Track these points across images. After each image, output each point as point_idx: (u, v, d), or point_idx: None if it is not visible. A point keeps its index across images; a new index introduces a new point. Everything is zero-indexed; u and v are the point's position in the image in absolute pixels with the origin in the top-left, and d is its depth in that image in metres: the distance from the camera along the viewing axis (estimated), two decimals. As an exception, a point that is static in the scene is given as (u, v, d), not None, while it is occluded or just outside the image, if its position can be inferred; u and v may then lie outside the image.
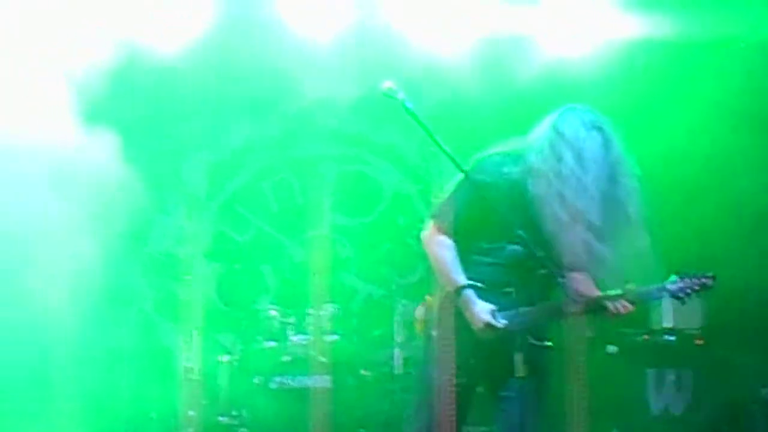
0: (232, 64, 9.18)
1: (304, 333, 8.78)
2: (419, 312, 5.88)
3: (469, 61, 8.98)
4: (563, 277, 5.43)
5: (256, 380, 8.62)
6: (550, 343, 5.53)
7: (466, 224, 5.68)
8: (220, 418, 8.75)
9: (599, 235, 5.48)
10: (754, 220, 9.07)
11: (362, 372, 8.68)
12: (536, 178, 5.52)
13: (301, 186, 10.04)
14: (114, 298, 8.85)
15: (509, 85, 9.11)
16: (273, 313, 8.93)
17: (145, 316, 9.45)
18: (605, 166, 5.54)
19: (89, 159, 8.21)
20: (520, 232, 5.29)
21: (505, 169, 5.63)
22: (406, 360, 8.76)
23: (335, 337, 8.76)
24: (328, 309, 8.82)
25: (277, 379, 8.62)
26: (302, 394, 8.49)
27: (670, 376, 8.69)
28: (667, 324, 8.71)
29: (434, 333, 5.71)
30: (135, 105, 9.21)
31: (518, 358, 5.22)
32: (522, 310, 5.57)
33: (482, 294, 5.59)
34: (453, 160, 5.50)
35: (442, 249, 5.72)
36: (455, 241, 5.71)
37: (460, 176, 5.60)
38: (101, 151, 8.26)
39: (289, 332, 8.84)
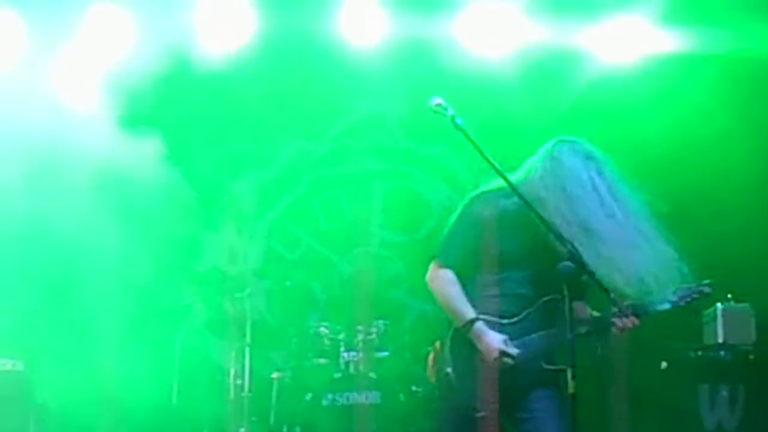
0: (282, 79, 9.22)
1: (355, 349, 8.77)
2: (430, 358, 5.95)
3: (516, 74, 8.98)
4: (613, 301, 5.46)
5: (307, 397, 8.61)
6: (563, 367, 5.42)
7: (469, 259, 5.76)
8: (272, 435, 8.78)
9: (616, 252, 5.52)
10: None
11: (413, 388, 8.65)
12: (544, 206, 5.54)
13: (350, 202, 10.05)
14: (165, 314, 8.91)
15: (556, 98, 9.09)
16: (323, 329, 8.94)
17: (197, 333, 9.48)
18: (604, 190, 5.64)
19: (138, 174, 8.28)
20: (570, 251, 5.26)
21: (501, 203, 5.70)
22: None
23: (385, 354, 8.76)
24: (378, 325, 8.82)
25: (328, 395, 8.61)
26: (353, 410, 8.49)
27: (723, 392, 8.60)
28: (720, 339, 8.63)
29: (449, 371, 5.74)
30: (185, 119, 9.27)
31: (569, 374, 5.20)
32: (532, 337, 5.67)
33: (491, 325, 5.68)
34: (502, 174, 5.50)
35: (447, 285, 5.80)
36: (460, 276, 5.78)
37: (458, 214, 5.76)
38: (151, 168, 8.32)
39: (340, 349, 8.84)
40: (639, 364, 8.57)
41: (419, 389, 8.67)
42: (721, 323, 8.63)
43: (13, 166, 8.21)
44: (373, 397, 8.54)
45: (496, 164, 5.45)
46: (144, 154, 8.40)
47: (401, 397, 8.59)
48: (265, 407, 8.86)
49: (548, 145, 5.78)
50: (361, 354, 8.75)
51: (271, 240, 10.03)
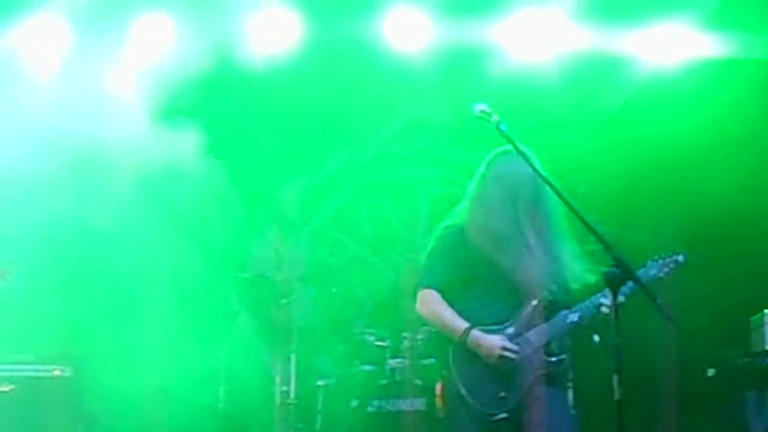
0: (326, 85, 9.23)
1: (401, 356, 8.77)
2: (438, 388, 6.12)
3: (560, 79, 8.96)
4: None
5: (353, 404, 8.62)
6: (563, 356, 5.98)
7: (448, 282, 6.12)
8: (318, 442, 8.80)
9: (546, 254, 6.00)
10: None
11: (459, 395, 8.63)
12: (472, 225, 6.15)
13: (396, 209, 10.05)
14: (211, 321, 8.94)
15: (600, 103, 9.07)
16: (369, 336, 8.94)
17: (243, 339, 9.49)
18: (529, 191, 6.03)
19: (183, 175, 8.32)
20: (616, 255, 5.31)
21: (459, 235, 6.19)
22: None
23: (431, 361, 8.74)
24: (424, 332, 8.81)
25: (374, 402, 8.61)
26: (399, 417, 8.48)
27: (771, 399, 8.53)
28: (768, 346, 8.56)
29: (462, 390, 6.00)
30: (230, 124, 9.30)
31: (615, 380, 5.22)
32: (528, 334, 5.95)
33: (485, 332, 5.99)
34: (547, 181, 5.51)
35: (435, 305, 6.15)
36: (444, 296, 6.14)
37: (432, 244, 6.24)
38: (195, 169, 8.37)
39: (386, 356, 8.84)
40: (687, 371, 8.53)
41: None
42: (770, 330, 8.56)
43: (57, 165, 8.27)
44: (418, 404, 8.52)
45: (543, 170, 5.48)
46: (188, 156, 8.45)
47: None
48: (311, 414, 8.87)
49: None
50: (407, 361, 8.75)
51: (316, 246, 10.04)
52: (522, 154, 5.61)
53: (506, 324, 6.00)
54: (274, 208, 9.27)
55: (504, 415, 5.88)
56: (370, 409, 8.60)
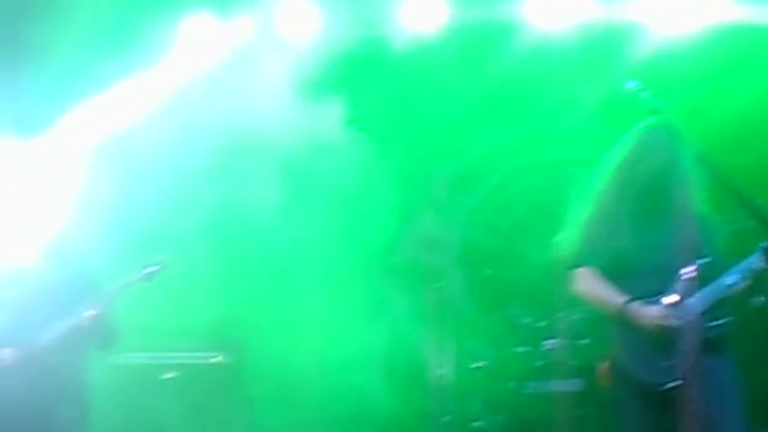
0: (473, 68, 9.19)
1: (556, 337, 8.72)
2: (602, 367, 6.12)
3: (709, 54, 8.77)
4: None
5: (509, 386, 8.61)
6: (724, 320, 5.99)
7: (602, 260, 6.22)
8: (475, 424, 8.79)
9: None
10: None
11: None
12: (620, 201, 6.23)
13: (546, 190, 9.95)
14: (365, 305, 8.99)
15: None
16: (524, 318, 8.92)
17: (397, 324, 9.53)
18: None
19: (333, 162, 8.39)
20: None
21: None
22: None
23: (587, 341, 8.68)
24: (579, 313, 8.74)
25: (531, 383, 8.60)
26: (555, 398, 8.45)
27: None
28: None
29: (629, 365, 6.14)
30: (380, 108, 9.32)
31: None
32: (688, 301, 5.85)
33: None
34: (702, 156, 5.45)
35: (592, 283, 6.27)
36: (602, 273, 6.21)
37: (583, 222, 6.35)
38: (345, 156, 8.42)
39: (541, 337, 8.80)
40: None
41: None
42: None
43: (208, 151, 8.43)
44: (575, 384, 8.48)
45: (696, 146, 5.42)
46: (336, 132, 8.51)
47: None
48: (467, 397, 8.89)
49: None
50: (562, 341, 8.70)
51: (468, 229, 10.01)
52: (670, 128, 5.56)
53: (663, 295, 5.96)
54: (425, 191, 9.27)
55: (672, 384, 5.80)
56: (526, 390, 8.59)
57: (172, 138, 8.20)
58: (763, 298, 6.43)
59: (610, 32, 8.96)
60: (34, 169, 7.90)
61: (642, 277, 6.05)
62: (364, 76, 8.99)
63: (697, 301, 5.89)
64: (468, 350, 9.15)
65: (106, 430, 7.54)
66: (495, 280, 9.44)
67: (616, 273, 6.15)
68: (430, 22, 8.95)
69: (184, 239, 8.20)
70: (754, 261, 5.91)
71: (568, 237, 6.50)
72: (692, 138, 5.66)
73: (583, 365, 8.46)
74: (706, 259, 5.83)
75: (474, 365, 8.95)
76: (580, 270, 6.29)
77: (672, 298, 5.92)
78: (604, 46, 9.01)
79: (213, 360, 8.73)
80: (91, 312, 7.03)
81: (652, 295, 5.99)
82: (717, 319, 5.99)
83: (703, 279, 5.91)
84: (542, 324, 8.83)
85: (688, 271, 5.82)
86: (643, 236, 6.09)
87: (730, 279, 5.98)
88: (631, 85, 5.56)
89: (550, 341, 8.74)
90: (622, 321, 6.04)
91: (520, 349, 8.81)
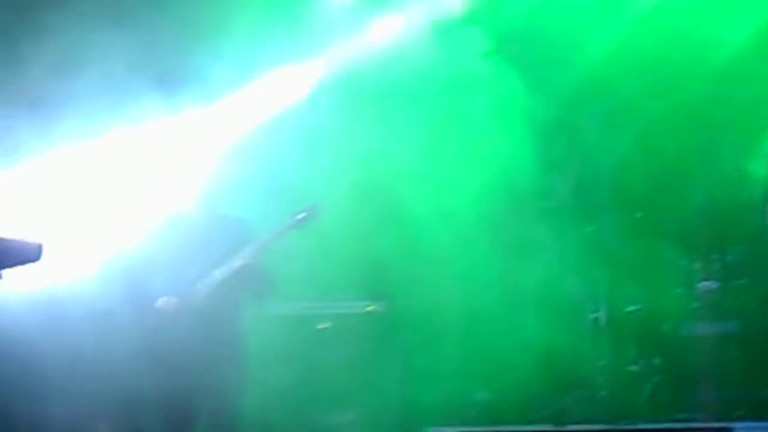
0: (617, 11, 9.01)
1: (712, 278, 8.57)
2: None
3: None
4: None
5: (665, 328, 8.52)
6: None
7: None
8: (631, 368, 8.72)
9: None
10: None
11: (775, 316, 8.40)
12: None
13: (694, 130, 9.72)
14: (519, 249, 8.94)
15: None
16: (679, 259, 8.79)
17: (551, 267, 9.44)
18: None
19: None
20: None
21: None
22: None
23: (744, 281, 8.51)
24: (736, 253, 8.58)
25: (687, 325, 8.48)
26: (712, 340, 8.32)
27: None
28: None
29: None
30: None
31: None
32: None
33: None
34: None
35: None
36: None
37: None
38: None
39: (697, 278, 8.66)
40: None
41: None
42: None
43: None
44: (732, 326, 8.34)
45: None
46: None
47: (762, 324, 8.34)
48: (623, 340, 8.81)
49: None
50: (718, 283, 8.55)
51: (622, 172, 9.85)
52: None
53: None
54: (572, 134, 9.16)
55: None
56: (682, 332, 8.48)
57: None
58: None
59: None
60: (197, 126, 8.10)
61: None
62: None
63: None
64: (622, 293, 9.06)
65: (262, 379, 7.65)
66: (648, 222, 9.28)
67: None
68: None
69: (334, 189, 8.26)
70: None
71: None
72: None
73: (739, 307, 8.31)
74: None
75: (628, 309, 8.85)
76: None
77: None
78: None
79: (367, 309, 8.80)
80: (245, 261, 7.13)
81: None
82: None
83: None
84: (697, 265, 8.67)
85: None
86: None
87: None
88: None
89: (706, 283, 8.58)
90: None
91: (676, 291, 8.67)
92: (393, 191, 8.51)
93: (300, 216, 7.19)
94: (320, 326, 8.80)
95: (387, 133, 8.58)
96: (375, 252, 8.79)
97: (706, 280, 8.60)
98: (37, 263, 4.54)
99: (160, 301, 7.27)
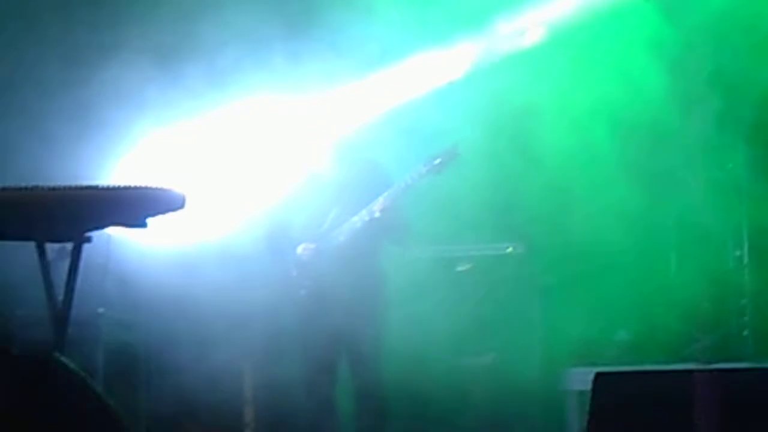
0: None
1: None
2: None
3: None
4: None
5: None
6: None
7: None
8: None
9: None
10: None
11: None
12: None
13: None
14: (659, 187, 8.79)
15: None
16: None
17: (693, 205, 9.22)
18: None
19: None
20: None
21: None
22: None
23: None
24: None
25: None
26: None
27: None
28: None
29: None
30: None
31: None
32: None
33: None
34: None
35: None
36: None
37: None
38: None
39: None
40: None
41: None
42: None
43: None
44: None
45: None
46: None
47: None
48: (766, 278, 8.67)
49: None
50: None
51: (758, 108, 9.56)
52: None
53: None
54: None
55: None
56: None
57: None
58: None
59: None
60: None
61: None
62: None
63: None
64: (766, 230, 8.87)
65: (402, 321, 7.75)
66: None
67: None
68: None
69: (472, 131, 8.25)
70: None
71: None
72: None
73: None
74: None
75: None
76: None
77: None
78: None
79: (506, 251, 8.82)
80: (383, 207, 7.20)
81: None
82: None
83: None
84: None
85: None
86: None
87: None
88: None
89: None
90: None
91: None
92: (532, 131, 8.46)
93: (438, 160, 7.22)
94: (461, 268, 8.85)
95: (527, 74, 8.54)
96: (513, 193, 8.79)
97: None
98: (180, 213, 4.66)
99: (300, 248, 7.42)
